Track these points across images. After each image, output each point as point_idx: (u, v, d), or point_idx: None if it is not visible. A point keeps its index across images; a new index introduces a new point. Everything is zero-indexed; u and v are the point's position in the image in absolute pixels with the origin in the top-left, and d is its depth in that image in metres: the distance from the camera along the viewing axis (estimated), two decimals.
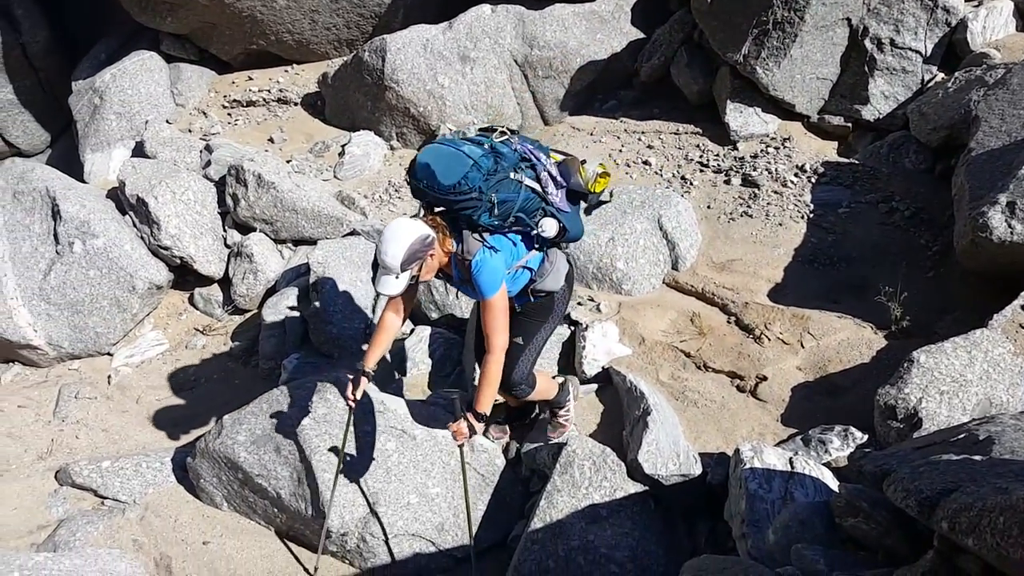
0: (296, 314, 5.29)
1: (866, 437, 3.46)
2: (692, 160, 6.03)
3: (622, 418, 3.86)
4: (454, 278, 3.16)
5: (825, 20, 5.72)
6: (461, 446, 3.24)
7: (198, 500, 4.09)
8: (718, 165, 5.88)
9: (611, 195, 3.40)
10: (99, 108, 7.64)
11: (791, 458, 3.13)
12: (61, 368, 5.63)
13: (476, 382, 3.17)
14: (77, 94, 8.09)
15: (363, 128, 7.11)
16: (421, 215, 3.01)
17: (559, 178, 3.09)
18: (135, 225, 5.91)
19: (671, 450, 3.42)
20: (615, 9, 7.01)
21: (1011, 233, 3.83)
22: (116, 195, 6.25)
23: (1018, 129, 4.47)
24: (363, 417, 3.83)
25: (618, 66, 6.97)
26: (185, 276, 6.02)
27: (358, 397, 3.30)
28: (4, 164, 6.33)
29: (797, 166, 5.66)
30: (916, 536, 2.29)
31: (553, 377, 3.97)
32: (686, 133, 6.36)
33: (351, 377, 3.29)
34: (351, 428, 3.52)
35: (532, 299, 3.28)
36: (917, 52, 5.70)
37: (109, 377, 5.44)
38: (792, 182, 5.51)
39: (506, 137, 3.03)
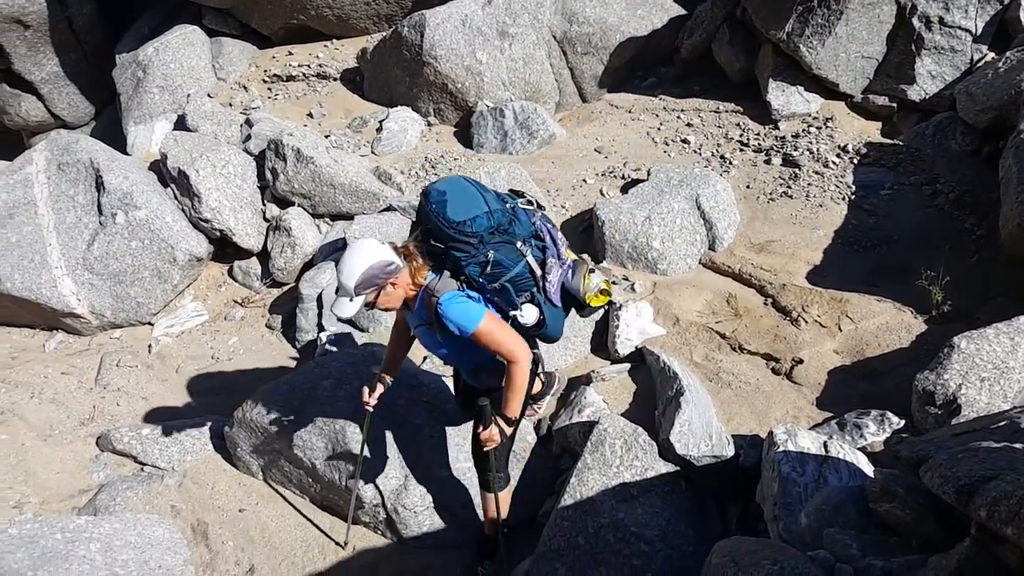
0: (334, 287, 5.35)
1: (902, 423, 3.40)
2: (732, 139, 5.93)
3: (654, 398, 3.85)
4: (415, 318, 2.88)
5: None
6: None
7: (235, 468, 4.20)
8: (758, 144, 5.77)
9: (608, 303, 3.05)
10: (142, 81, 7.75)
11: (825, 442, 3.09)
12: (103, 337, 5.77)
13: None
14: (121, 67, 8.22)
15: (401, 104, 7.11)
16: (400, 242, 2.79)
17: (565, 273, 2.86)
18: (176, 197, 6.02)
19: (704, 431, 3.40)
20: None
21: None
22: (158, 167, 6.36)
23: None
24: (396, 391, 3.87)
25: (658, 43, 6.86)
26: (224, 249, 6.11)
27: (374, 402, 3.19)
28: (50, 135, 6.46)
29: (839, 146, 5.53)
30: (952, 524, 2.25)
31: (546, 372, 3.59)
32: (726, 112, 6.25)
33: (369, 383, 3.21)
34: (367, 431, 3.46)
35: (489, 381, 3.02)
36: (967, 31, 5.50)
37: (150, 346, 5.57)
38: (834, 163, 5.38)
39: (531, 208, 2.84)
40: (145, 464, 4.30)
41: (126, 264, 5.61)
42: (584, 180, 5.80)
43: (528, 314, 2.78)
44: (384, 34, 7.71)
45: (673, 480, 3.38)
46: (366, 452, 3.55)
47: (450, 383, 4.15)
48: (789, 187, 5.26)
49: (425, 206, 2.68)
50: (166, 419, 4.70)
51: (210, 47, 8.09)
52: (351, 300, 2.63)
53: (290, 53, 8.01)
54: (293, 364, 5.22)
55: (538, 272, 2.76)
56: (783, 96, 5.95)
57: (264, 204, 6.28)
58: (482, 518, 3.41)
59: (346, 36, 8.04)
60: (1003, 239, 4.16)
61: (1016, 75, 4.93)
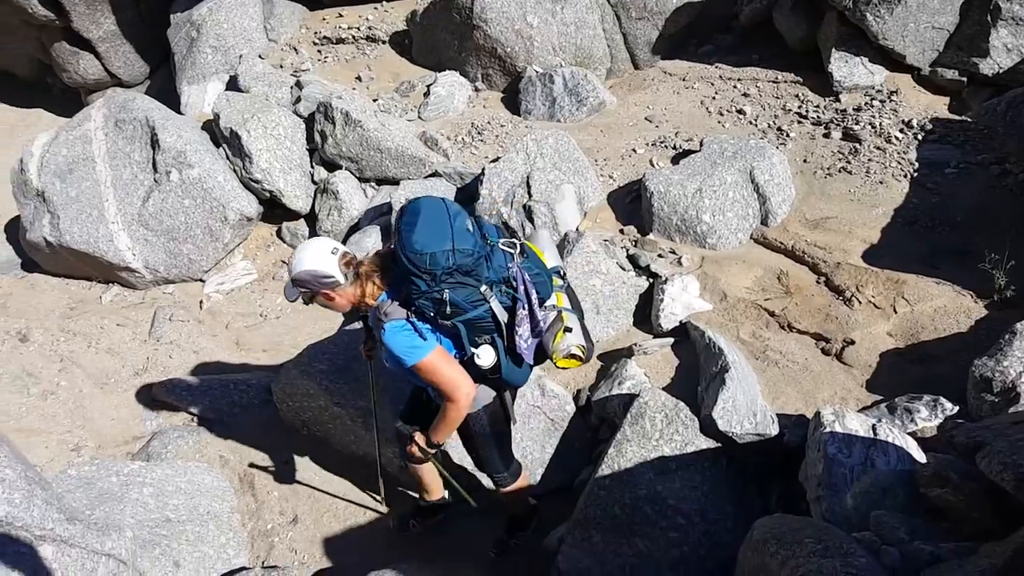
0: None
1: (956, 409, 3.29)
2: (790, 111, 5.74)
3: (697, 374, 3.80)
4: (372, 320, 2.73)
5: None
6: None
7: (281, 422, 4.29)
8: (818, 117, 5.58)
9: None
10: (196, 41, 7.84)
11: (874, 425, 3.01)
12: (156, 291, 5.93)
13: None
14: (175, 27, 8.32)
15: (449, 68, 7.06)
16: (353, 256, 2.62)
17: (540, 326, 2.61)
18: (228, 157, 6.10)
19: (748, 409, 3.35)
20: None
21: None
22: (211, 127, 6.45)
23: None
24: None
25: (716, 9, 6.66)
26: (274, 210, 6.20)
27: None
28: (107, 93, 6.59)
29: (903, 121, 5.31)
30: (1008, 511, 2.18)
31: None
32: (785, 82, 6.05)
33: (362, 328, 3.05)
34: (375, 382, 3.39)
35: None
36: None
37: (201, 302, 5.71)
38: (897, 138, 5.18)
39: (514, 251, 2.57)
40: (196, 415, 4.43)
41: (179, 221, 5.73)
42: (633, 150, 5.69)
43: (484, 357, 2.61)
44: None
45: (713, 456, 3.35)
46: (377, 406, 3.48)
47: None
48: (848, 162, 5.09)
49: (396, 222, 2.53)
50: (216, 372, 4.83)
51: (262, 8, 8.11)
52: (293, 286, 2.60)
53: (340, 15, 7.99)
54: (337, 325, 5.30)
55: (503, 318, 2.56)
56: (846, 67, 5.73)
57: (312, 167, 6.33)
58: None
59: None
60: None
61: None
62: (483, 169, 5.24)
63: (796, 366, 3.82)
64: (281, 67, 7.47)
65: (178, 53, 8.02)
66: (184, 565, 3.28)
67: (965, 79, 5.52)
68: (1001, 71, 5.37)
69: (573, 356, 2.65)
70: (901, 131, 5.22)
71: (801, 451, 3.19)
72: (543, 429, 3.84)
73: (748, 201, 4.78)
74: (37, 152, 6.13)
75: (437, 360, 2.52)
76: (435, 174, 5.79)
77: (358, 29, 7.65)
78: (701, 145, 5.17)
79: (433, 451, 2.88)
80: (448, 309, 2.44)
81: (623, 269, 4.53)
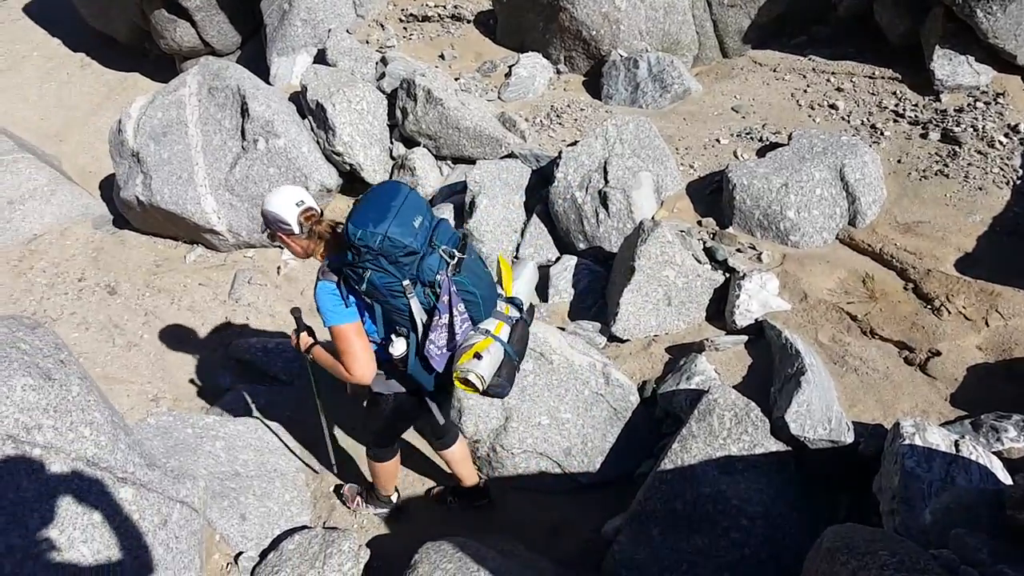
0: None
1: None
2: (885, 108, 5.47)
3: (770, 375, 3.69)
4: None
5: None
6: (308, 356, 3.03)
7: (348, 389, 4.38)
8: (915, 116, 5.30)
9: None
10: (287, 14, 8.02)
11: (957, 441, 2.86)
12: (237, 254, 6.14)
13: None
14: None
15: (532, 50, 7.01)
16: (315, 212, 2.74)
17: (457, 339, 2.63)
18: (312, 129, 6.24)
19: (823, 414, 3.23)
20: None
21: None
22: (297, 99, 6.60)
23: None
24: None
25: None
26: (352, 183, 6.31)
27: (299, 344, 3.02)
28: (201, 60, 6.82)
29: (1009, 125, 4.99)
30: None
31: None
32: (882, 78, 5.77)
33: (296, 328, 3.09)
34: (311, 376, 3.34)
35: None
36: None
37: (279, 268, 5.87)
38: (1001, 143, 4.87)
39: (454, 260, 2.55)
40: (268, 374, 4.58)
41: (263, 188, 5.90)
42: (717, 140, 5.54)
43: (396, 347, 2.68)
44: None
45: (782, 460, 3.25)
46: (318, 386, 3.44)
47: (554, 337, 4.16)
48: (946, 165, 4.82)
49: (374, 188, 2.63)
50: (289, 337, 4.97)
51: None
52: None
53: None
54: None
55: (420, 318, 2.59)
56: (949, 65, 5.42)
57: (392, 142, 6.41)
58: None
59: None
60: None
61: None
62: (560, 152, 5.20)
63: (876, 374, 3.67)
64: (367, 43, 7.58)
65: (270, 25, 8.23)
66: (250, 518, 3.40)
67: None
68: None
69: (467, 382, 2.60)
70: (1006, 135, 4.91)
71: (876, 462, 3.07)
72: (605, 417, 3.81)
73: (836, 200, 4.59)
74: (135, 114, 6.41)
75: (348, 332, 2.62)
76: (511, 155, 5.78)
77: (444, 8, 7.68)
78: (789, 139, 4.99)
79: (308, 356, 2.96)
80: (366, 287, 2.52)
81: (699, 262, 4.43)
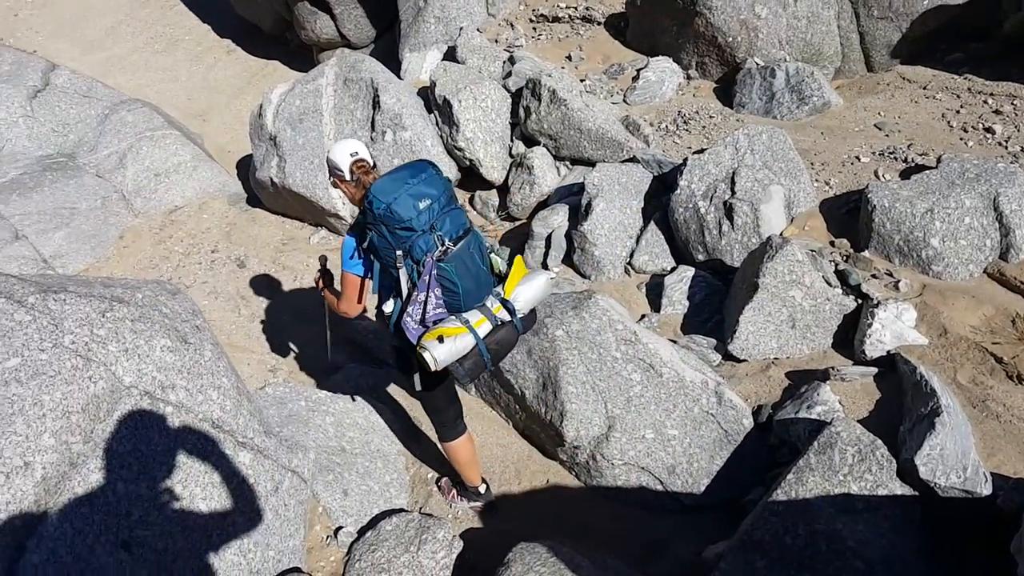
0: (564, 230, 5.40)
1: None
2: None
3: (900, 412, 3.43)
4: None
5: None
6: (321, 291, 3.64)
7: (453, 380, 4.42)
8: None
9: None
10: (422, 11, 8.23)
11: None
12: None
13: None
14: None
15: (663, 54, 6.87)
16: (366, 164, 3.00)
17: (427, 319, 2.83)
18: (437, 124, 6.36)
19: (957, 460, 2.97)
20: None
21: None
22: (425, 93, 6.75)
23: None
24: (614, 344, 3.83)
25: (974, 13, 5.91)
26: (470, 177, 6.39)
27: (318, 283, 3.69)
28: (340, 53, 7.09)
29: None
30: None
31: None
32: None
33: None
34: (326, 307, 3.87)
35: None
36: None
37: None
38: None
39: (442, 248, 2.74)
40: (378, 357, 4.69)
41: None
42: (857, 157, 5.22)
43: (387, 306, 3.03)
44: None
45: (908, 504, 3.01)
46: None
47: (665, 349, 4.04)
48: None
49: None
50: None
51: None
52: None
53: None
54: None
55: (405, 289, 2.82)
56: None
57: (512, 140, 6.44)
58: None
59: None
60: None
61: None
62: (685, 159, 5.05)
63: (1022, 423, 3.34)
64: (496, 41, 7.66)
65: (404, 21, 8.47)
66: (351, 495, 3.49)
67: None
68: None
69: (421, 359, 2.82)
70: None
71: (1016, 518, 2.78)
72: (714, 439, 3.66)
73: (987, 230, 4.22)
74: (275, 100, 6.75)
75: (347, 278, 3.03)
76: (632, 159, 5.67)
77: (575, 9, 7.65)
78: (938, 162, 4.63)
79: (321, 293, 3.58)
80: (367, 244, 2.82)
81: (829, 284, 4.18)
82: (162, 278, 6.12)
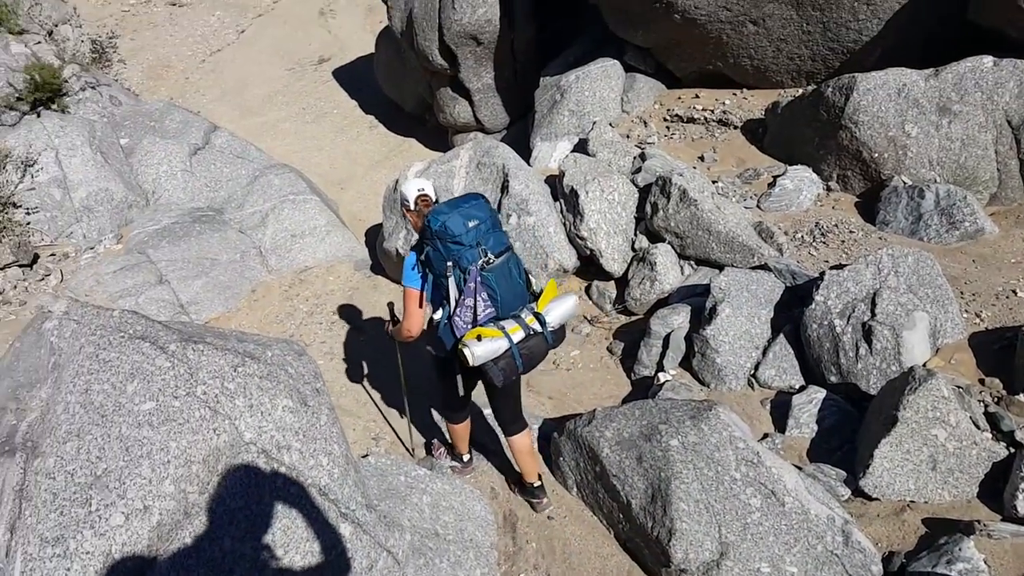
0: (684, 332, 5.22)
1: None
2: None
3: None
4: None
5: None
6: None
7: (551, 475, 4.28)
8: None
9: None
10: (557, 103, 8.50)
11: None
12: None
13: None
14: (543, 88, 9.12)
15: (801, 163, 6.71)
16: (428, 199, 3.67)
17: (475, 318, 3.37)
18: (562, 211, 6.42)
19: None
20: None
21: None
22: (552, 181, 6.87)
23: None
24: (733, 464, 3.59)
25: None
26: (589, 267, 6.36)
27: (389, 331, 4.16)
28: (476, 138, 7.40)
29: None
30: None
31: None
32: None
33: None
34: (399, 357, 4.59)
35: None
36: None
37: None
38: None
39: (486, 258, 3.29)
40: (479, 441, 4.61)
41: None
42: (1013, 291, 4.81)
43: (436, 314, 3.54)
44: (800, 90, 7.38)
45: None
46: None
47: (790, 476, 3.75)
48: None
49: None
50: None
51: (623, 81, 8.55)
52: None
53: (696, 96, 8.10)
54: (625, 393, 5.21)
55: (453, 296, 3.35)
56: None
57: (636, 234, 6.40)
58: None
59: (758, 87, 7.87)
60: None
61: None
62: (822, 274, 4.81)
63: None
64: (628, 137, 7.76)
65: (539, 111, 8.76)
66: None
67: None
68: None
69: (462, 353, 3.33)
70: None
71: None
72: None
73: None
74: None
75: (410, 293, 3.53)
76: (763, 267, 5.48)
77: (711, 112, 7.67)
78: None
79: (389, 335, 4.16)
80: (424, 257, 3.41)
81: (977, 427, 3.79)
82: (285, 333, 6.37)
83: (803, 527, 3.43)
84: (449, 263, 3.29)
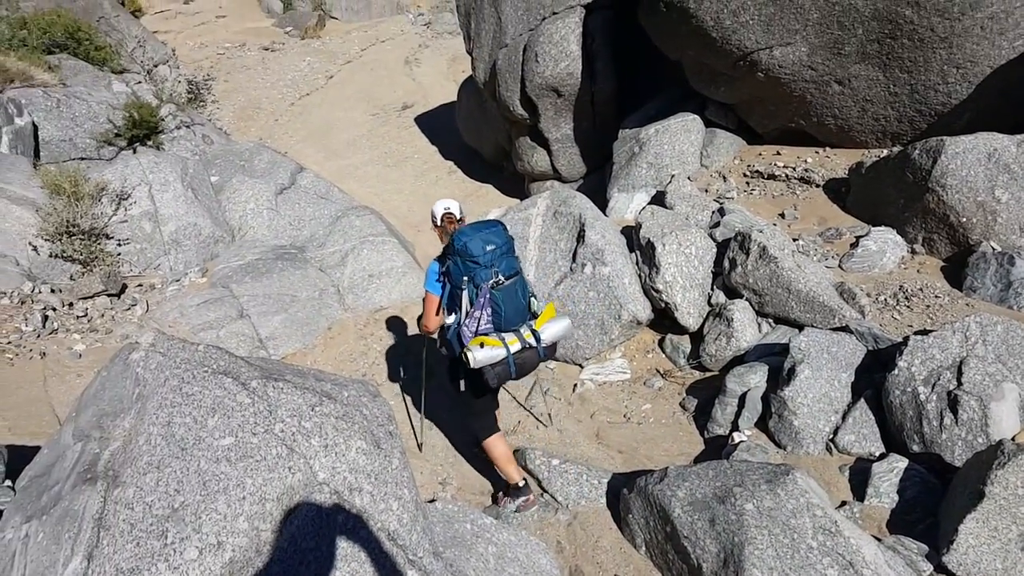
0: (760, 391, 5.09)
1: None
2: None
3: None
4: None
5: None
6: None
7: (619, 531, 4.20)
8: None
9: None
10: (636, 156, 8.56)
11: None
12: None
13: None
14: (621, 140, 9.21)
15: (885, 224, 6.53)
16: (454, 217, 4.35)
17: (478, 328, 3.91)
18: (638, 263, 6.42)
19: None
20: None
21: None
22: (628, 232, 6.89)
23: None
24: (808, 529, 3.45)
25: None
26: (663, 320, 6.31)
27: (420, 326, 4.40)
28: (554, 187, 7.50)
29: None
30: None
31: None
32: None
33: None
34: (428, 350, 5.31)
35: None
36: None
37: (575, 386, 5.99)
38: None
39: (494, 279, 3.85)
40: (546, 491, 4.58)
41: (580, 309, 6.16)
42: None
43: (449, 319, 4.09)
44: (884, 151, 7.22)
45: None
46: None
47: (869, 547, 3.57)
48: None
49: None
50: (572, 457, 4.97)
51: (703, 136, 8.56)
52: None
53: (777, 153, 8.02)
54: (697, 451, 5.09)
55: (465, 307, 3.90)
56: None
57: (712, 289, 6.32)
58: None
59: (841, 146, 7.74)
60: None
61: None
62: (906, 338, 4.63)
63: None
64: (706, 191, 7.72)
65: (617, 163, 8.84)
66: None
67: None
68: None
69: (465, 356, 3.89)
70: None
71: None
72: None
73: None
74: None
75: (429, 298, 4.12)
76: (844, 328, 5.31)
77: (793, 169, 7.57)
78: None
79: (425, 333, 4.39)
80: (446, 269, 3.98)
81: None
82: (358, 372, 6.52)
83: None
84: (465, 278, 3.86)
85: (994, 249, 5.77)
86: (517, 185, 12.24)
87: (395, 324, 7.29)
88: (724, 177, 7.94)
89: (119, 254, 8.24)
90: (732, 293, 6.12)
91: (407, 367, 6.32)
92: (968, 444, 4.15)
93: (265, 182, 9.63)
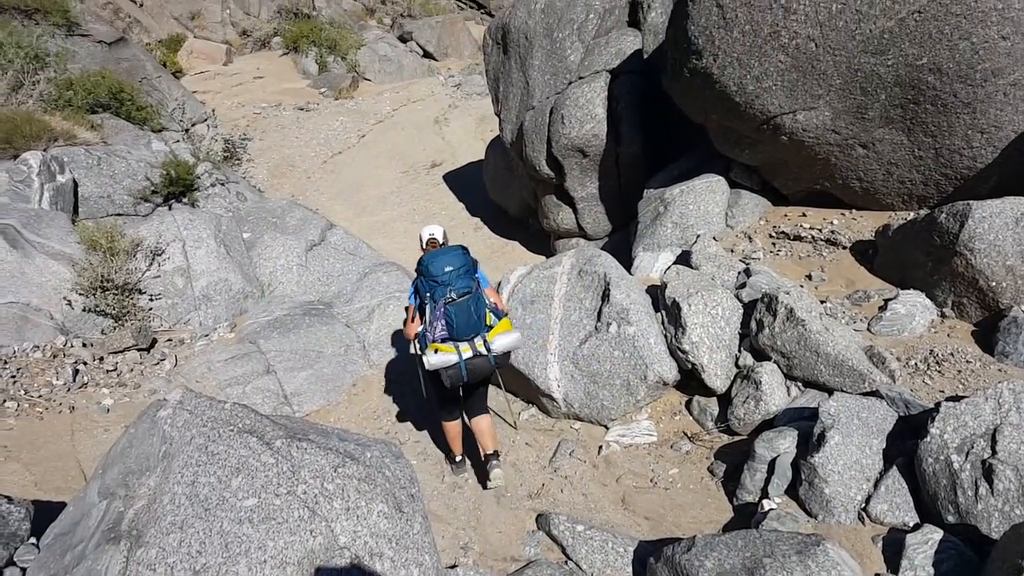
0: (790, 457, 4.98)
1: None
2: None
3: None
4: None
5: None
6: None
7: None
8: None
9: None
10: (661, 215, 8.61)
11: None
12: (565, 423, 6.35)
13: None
14: (646, 200, 9.29)
15: (914, 287, 6.45)
16: (435, 241, 5.44)
17: (436, 336, 4.84)
18: (663, 323, 6.40)
19: None
20: None
21: None
22: (653, 292, 6.88)
23: None
24: None
25: None
26: (690, 381, 6.24)
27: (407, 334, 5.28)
28: (579, 245, 7.57)
29: None
30: None
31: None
32: None
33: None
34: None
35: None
36: None
37: (600, 448, 5.92)
38: None
39: (452, 297, 4.76)
40: (570, 559, 4.48)
41: (604, 368, 6.13)
42: None
43: (419, 328, 5.00)
44: (911, 214, 7.19)
45: None
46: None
47: None
48: None
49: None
50: (597, 522, 4.88)
51: (728, 197, 8.60)
52: None
53: (803, 214, 8.02)
54: (726, 518, 4.97)
55: (428, 317, 4.83)
56: None
57: (740, 351, 6.25)
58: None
59: (867, 208, 7.73)
60: None
61: None
62: (938, 404, 4.53)
63: None
64: (732, 252, 7.72)
65: (642, 222, 8.90)
66: None
67: None
68: None
69: (420, 359, 4.95)
70: None
71: None
72: None
73: None
74: (512, 280, 7.26)
75: (409, 309, 5.11)
76: (874, 393, 5.21)
77: (819, 231, 7.56)
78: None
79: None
80: (415, 288, 5.04)
81: None
82: (380, 430, 6.51)
83: None
84: (428, 293, 4.78)
85: (1023, 311, 5.66)
86: (543, 242, 12.35)
87: (419, 382, 7.29)
88: (750, 238, 7.94)
89: (151, 309, 8.41)
90: (760, 355, 6.05)
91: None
92: (1005, 515, 4.01)
93: (296, 238, 9.83)
